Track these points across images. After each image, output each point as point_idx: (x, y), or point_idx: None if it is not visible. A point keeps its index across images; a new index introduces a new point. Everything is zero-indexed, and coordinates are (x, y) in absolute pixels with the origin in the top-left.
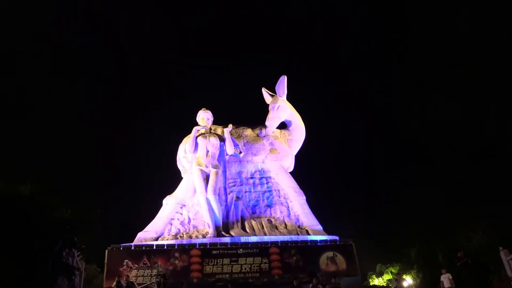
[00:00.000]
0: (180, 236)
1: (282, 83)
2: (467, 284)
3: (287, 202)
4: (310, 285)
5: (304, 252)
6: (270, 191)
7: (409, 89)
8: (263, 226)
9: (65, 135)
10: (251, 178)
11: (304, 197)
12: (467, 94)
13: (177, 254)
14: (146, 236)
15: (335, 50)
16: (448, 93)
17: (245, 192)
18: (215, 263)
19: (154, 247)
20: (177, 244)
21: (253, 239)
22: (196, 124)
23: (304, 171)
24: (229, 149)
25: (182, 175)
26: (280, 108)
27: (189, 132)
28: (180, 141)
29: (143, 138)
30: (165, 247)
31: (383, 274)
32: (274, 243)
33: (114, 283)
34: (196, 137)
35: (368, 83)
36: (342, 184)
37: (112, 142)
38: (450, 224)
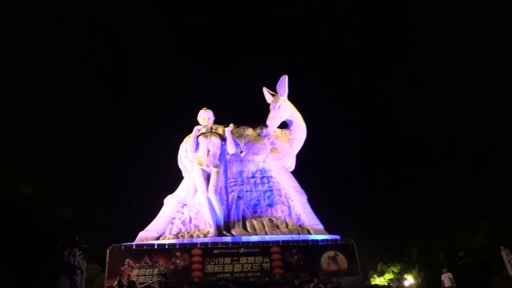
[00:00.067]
0: (181, 236)
1: (283, 83)
2: (469, 284)
3: (288, 202)
4: (311, 285)
5: (305, 251)
6: (271, 190)
7: (409, 89)
8: (264, 226)
9: (65, 135)
10: (252, 177)
11: (305, 197)
12: (467, 94)
13: (178, 254)
14: (147, 235)
15: (335, 50)
16: (448, 93)
17: (246, 191)
18: (216, 263)
19: (156, 247)
20: (179, 244)
21: (254, 238)
22: (197, 123)
23: (305, 170)
24: (230, 148)
25: (183, 174)
26: (281, 107)
27: (190, 132)
28: (181, 141)
29: (143, 138)
30: (167, 247)
31: (384, 274)
32: (275, 243)
33: (116, 282)
34: (197, 137)
35: (368, 83)
36: (342, 184)
37: (112, 142)
38: (450, 224)
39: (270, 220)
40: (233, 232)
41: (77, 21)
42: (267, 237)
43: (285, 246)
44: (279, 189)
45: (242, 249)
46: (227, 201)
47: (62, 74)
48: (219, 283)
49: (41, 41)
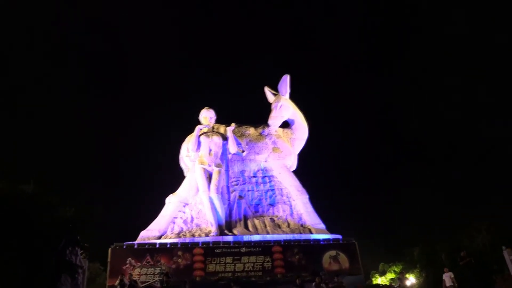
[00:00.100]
0: (183, 235)
1: (285, 82)
2: (471, 284)
3: (289, 201)
4: (313, 284)
5: (307, 251)
6: (272, 190)
7: (409, 89)
8: (265, 225)
9: (66, 135)
10: (254, 177)
11: (307, 196)
12: (467, 94)
13: (180, 253)
14: (149, 234)
15: (335, 50)
16: (448, 93)
17: (248, 191)
18: (218, 262)
19: (157, 246)
20: (180, 243)
21: (255, 237)
22: (198, 123)
23: (305, 170)
24: (232, 148)
25: (185, 174)
26: (283, 107)
27: (190, 131)
28: (181, 141)
29: (143, 138)
30: (168, 246)
31: (386, 273)
32: (277, 242)
33: (117, 281)
34: (199, 136)
35: (368, 83)
36: (343, 184)
37: (112, 142)
38: (450, 224)
39: (272, 220)
40: (234, 231)
41: (77, 21)
42: (269, 237)
43: (286, 245)
44: (281, 189)
45: (243, 248)
46: (229, 200)
47: (62, 74)
48: (220, 283)
49: (42, 41)
